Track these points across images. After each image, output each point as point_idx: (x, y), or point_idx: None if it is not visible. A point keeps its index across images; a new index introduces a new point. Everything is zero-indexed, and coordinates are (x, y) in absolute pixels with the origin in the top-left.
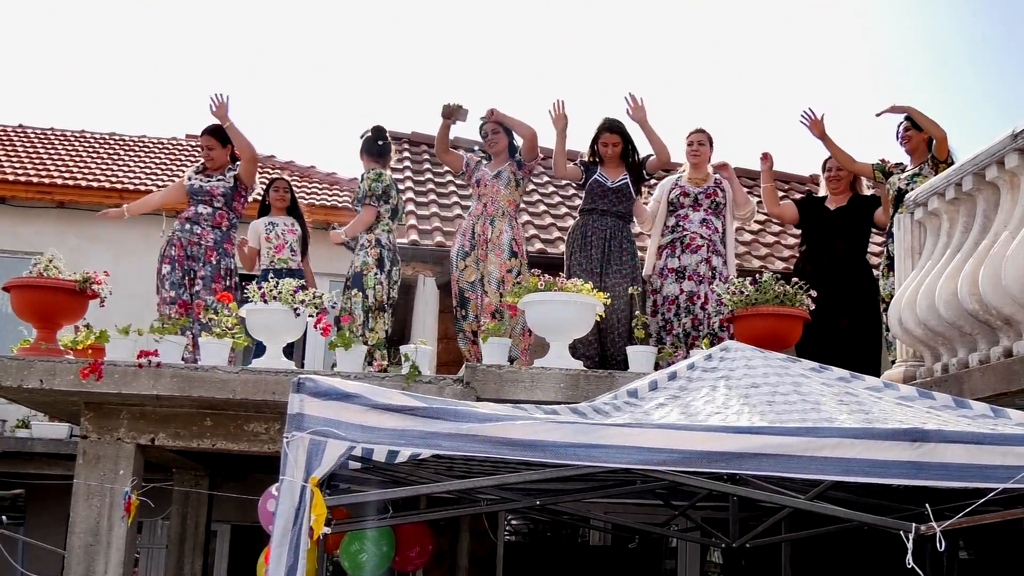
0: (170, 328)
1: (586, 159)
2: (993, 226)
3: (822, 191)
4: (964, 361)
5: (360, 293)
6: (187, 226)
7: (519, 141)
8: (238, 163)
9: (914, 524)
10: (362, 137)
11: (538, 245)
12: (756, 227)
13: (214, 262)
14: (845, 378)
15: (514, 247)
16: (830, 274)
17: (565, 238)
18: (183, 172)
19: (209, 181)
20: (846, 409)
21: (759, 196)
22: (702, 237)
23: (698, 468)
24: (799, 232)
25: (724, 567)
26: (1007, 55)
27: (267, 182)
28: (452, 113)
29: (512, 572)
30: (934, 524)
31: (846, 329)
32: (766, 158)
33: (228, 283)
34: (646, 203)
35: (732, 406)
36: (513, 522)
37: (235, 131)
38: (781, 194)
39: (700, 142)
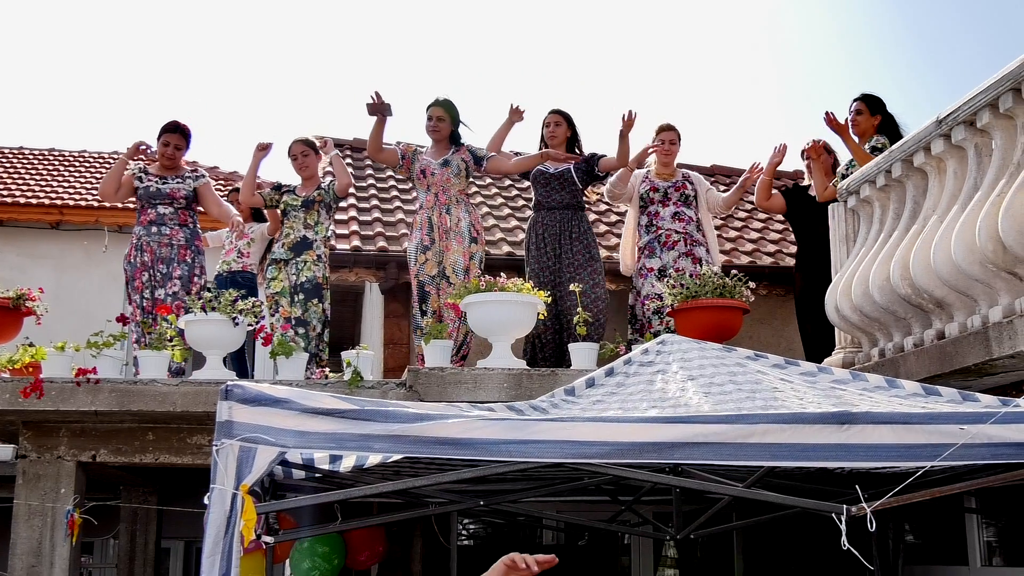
0: (107, 343)
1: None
2: (922, 211)
3: (807, 179)
4: (900, 345)
5: (320, 305)
6: (153, 229)
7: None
8: (193, 171)
9: (845, 506)
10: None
11: (506, 248)
12: (739, 223)
13: (189, 260)
14: (780, 364)
15: (473, 232)
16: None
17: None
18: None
19: (167, 183)
20: (781, 396)
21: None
22: (677, 232)
23: (631, 460)
24: (782, 226)
25: (679, 560)
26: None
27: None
28: (379, 109)
29: (466, 574)
30: (864, 505)
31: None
32: (781, 152)
33: (203, 281)
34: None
35: (668, 400)
36: (470, 527)
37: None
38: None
39: (672, 141)
